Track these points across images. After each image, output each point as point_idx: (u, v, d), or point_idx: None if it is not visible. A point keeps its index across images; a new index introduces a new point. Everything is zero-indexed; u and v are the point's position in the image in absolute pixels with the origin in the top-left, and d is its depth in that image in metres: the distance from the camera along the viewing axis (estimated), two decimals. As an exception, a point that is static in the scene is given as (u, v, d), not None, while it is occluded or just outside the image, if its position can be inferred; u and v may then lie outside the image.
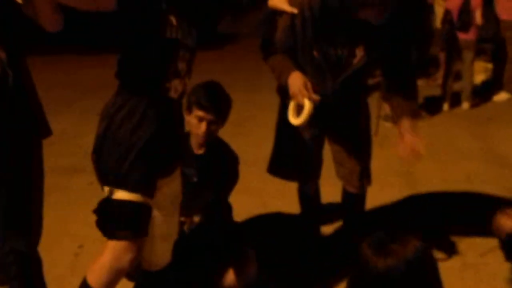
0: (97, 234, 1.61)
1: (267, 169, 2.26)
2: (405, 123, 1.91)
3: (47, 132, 1.70)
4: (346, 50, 1.84)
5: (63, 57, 7.70)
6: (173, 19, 1.55)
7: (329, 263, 2.31)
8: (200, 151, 2.05)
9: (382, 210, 3.01)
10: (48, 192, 1.80)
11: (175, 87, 1.61)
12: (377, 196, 3.08)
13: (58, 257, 2.42)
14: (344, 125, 2.14)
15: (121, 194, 1.54)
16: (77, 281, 1.66)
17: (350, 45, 1.83)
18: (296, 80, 1.84)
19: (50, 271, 1.97)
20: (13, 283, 1.69)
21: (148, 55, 1.55)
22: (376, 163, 3.60)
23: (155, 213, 1.74)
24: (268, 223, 2.79)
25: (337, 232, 2.61)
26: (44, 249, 1.81)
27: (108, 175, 1.56)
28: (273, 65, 1.94)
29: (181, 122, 1.78)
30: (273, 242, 2.52)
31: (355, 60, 1.86)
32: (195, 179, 2.05)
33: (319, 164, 2.27)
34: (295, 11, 1.79)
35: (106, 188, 1.57)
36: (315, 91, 1.81)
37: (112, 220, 1.55)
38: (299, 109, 1.87)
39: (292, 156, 2.16)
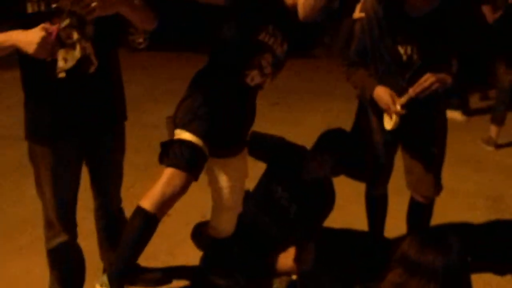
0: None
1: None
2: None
3: (124, 115, 2.01)
4: (407, 47, 1.95)
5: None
6: (270, 28, 1.85)
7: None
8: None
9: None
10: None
11: (253, 76, 1.89)
12: (462, 216, 3.08)
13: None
14: (415, 132, 2.18)
15: (185, 135, 1.83)
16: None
17: (410, 43, 1.94)
18: (382, 95, 2.02)
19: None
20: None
21: (238, 48, 1.87)
22: (467, 186, 3.56)
23: (223, 186, 2.04)
24: (340, 225, 2.89)
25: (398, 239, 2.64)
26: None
27: (181, 119, 1.86)
28: (355, 81, 2.13)
29: (251, 110, 2.06)
30: (336, 240, 2.64)
31: (417, 58, 1.95)
32: (292, 209, 2.29)
33: (389, 169, 2.34)
34: (362, 15, 1.96)
35: (177, 131, 1.87)
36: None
37: (173, 151, 1.82)
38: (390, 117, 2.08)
39: (365, 159, 2.29)
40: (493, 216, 3.14)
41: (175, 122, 1.89)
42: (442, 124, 2.23)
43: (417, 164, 2.22)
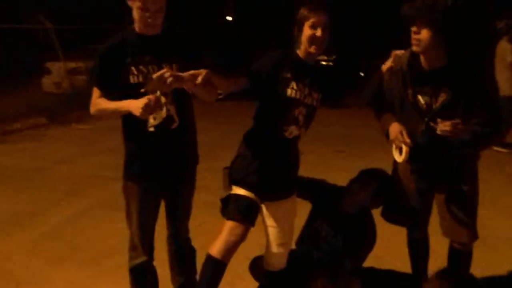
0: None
1: (381, 214, 2.60)
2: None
3: (196, 162, 2.43)
4: (428, 97, 2.19)
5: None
6: (294, 84, 2.18)
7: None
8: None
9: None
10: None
11: (291, 131, 2.23)
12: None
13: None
14: (446, 181, 2.34)
15: (240, 191, 2.23)
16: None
17: (431, 93, 2.18)
18: (394, 128, 2.27)
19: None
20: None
21: (273, 107, 2.22)
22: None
23: (274, 225, 2.38)
24: (387, 267, 3.05)
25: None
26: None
27: (235, 176, 2.27)
28: (381, 120, 2.40)
29: (295, 158, 2.37)
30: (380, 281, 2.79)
31: (437, 104, 2.17)
32: (337, 241, 2.53)
33: (426, 214, 2.50)
34: (391, 66, 2.26)
35: (233, 186, 2.27)
36: (409, 137, 2.21)
37: (231, 205, 2.22)
38: (400, 150, 2.29)
39: (402, 205, 2.47)
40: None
41: (231, 178, 2.30)
42: (473, 171, 2.37)
43: (449, 210, 2.36)
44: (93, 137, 7.03)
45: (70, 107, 8.51)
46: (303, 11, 2.16)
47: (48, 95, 9.54)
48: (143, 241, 2.33)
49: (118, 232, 3.54)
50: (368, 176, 2.54)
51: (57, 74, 10.07)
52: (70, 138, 7.10)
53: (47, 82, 10.25)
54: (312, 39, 2.14)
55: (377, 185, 2.50)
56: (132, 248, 2.37)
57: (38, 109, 8.36)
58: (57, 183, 4.92)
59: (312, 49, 2.17)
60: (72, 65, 9.86)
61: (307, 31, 2.14)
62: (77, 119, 8.16)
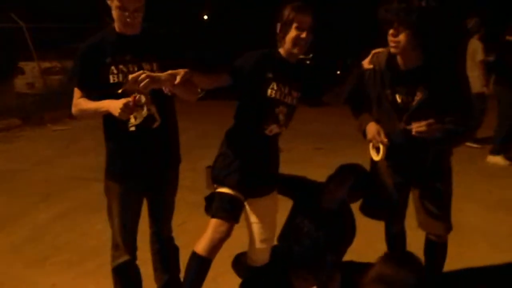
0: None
1: (359, 209, 2.67)
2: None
3: (178, 161, 2.46)
4: (405, 96, 2.26)
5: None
6: (275, 84, 2.22)
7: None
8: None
9: (488, 270, 3.11)
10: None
11: (271, 129, 2.27)
12: (487, 258, 3.23)
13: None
14: (421, 174, 2.42)
15: (223, 189, 2.27)
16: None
17: (407, 92, 2.25)
18: (371, 128, 2.34)
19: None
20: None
21: (253, 106, 2.25)
22: (499, 228, 3.69)
23: (256, 221, 2.42)
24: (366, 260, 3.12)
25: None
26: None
27: (217, 175, 2.30)
28: (359, 119, 2.46)
29: (275, 154, 2.41)
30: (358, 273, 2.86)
31: (413, 103, 2.24)
32: (318, 236, 2.57)
33: (403, 208, 2.59)
34: (371, 66, 2.31)
35: (216, 185, 2.30)
36: (386, 136, 2.28)
37: (215, 204, 2.25)
38: (377, 149, 2.36)
39: (380, 200, 2.55)
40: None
41: (213, 177, 2.33)
42: (447, 166, 2.45)
43: (424, 203, 2.45)
44: (69, 138, 6.95)
45: (45, 108, 8.38)
46: (289, 12, 2.17)
47: (21, 96, 9.35)
48: (126, 240, 2.34)
49: (99, 233, 3.55)
50: (346, 172, 2.60)
51: (30, 74, 9.89)
52: (45, 140, 7.00)
53: (20, 83, 10.05)
54: (297, 40, 2.18)
55: (355, 180, 2.56)
56: (115, 247, 2.38)
57: (12, 110, 8.20)
58: (35, 185, 4.86)
59: (296, 50, 2.20)
60: (46, 64, 9.69)
61: (292, 33, 2.17)
62: (53, 120, 8.04)
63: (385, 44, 2.25)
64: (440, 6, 2.14)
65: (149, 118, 2.19)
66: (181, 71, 1.87)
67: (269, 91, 2.22)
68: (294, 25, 2.16)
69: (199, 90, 2.13)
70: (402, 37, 2.12)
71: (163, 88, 1.99)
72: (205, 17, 15.74)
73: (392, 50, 2.19)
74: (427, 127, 2.11)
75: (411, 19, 2.08)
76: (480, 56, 5.79)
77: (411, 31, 2.10)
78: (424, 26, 2.10)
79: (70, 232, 3.72)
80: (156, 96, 2.14)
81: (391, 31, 2.14)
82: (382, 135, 2.29)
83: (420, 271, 1.56)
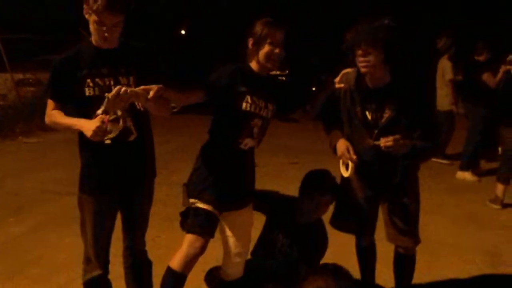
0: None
1: (329, 222, 2.71)
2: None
3: (154, 174, 2.46)
4: (374, 113, 2.35)
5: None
6: (249, 98, 2.25)
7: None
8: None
9: (456, 283, 3.19)
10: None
11: (246, 143, 2.29)
12: (455, 270, 3.32)
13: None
14: (389, 188, 2.48)
15: (199, 204, 2.27)
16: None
17: (376, 110, 2.34)
18: (341, 145, 2.41)
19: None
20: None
21: (228, 120, 2.28)
22: (467, 241, 3.79)
23: (231, 235, 2.43)
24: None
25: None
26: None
27: (193, 190, 2.30)
28: (330, 135, 2.53)
29: (251, 168, 2.43)
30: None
31: (382, 120, 2.33)
32: (292, 251, 2.60)
33: (373, 221, 2.64)
34: (342, 85, 2.38)
35: (191, 200, 2.30)
36: (355, 153, 2.35)
37: (190, 219, 2.25)
38: (347, 166, 2.43)
39: (350, 213, 2.60)
40: (488, 271, 3.35)
41: (188, 192, 2.33)
42: (415, 181, 2.53)
43: (393, 218, 2.51)
44: (41, 151, 6.80)
45: (17, 120, 8.19)
46: (262, 28, 2.22)
47: (-8, 107, 9.15)
48: (98, 254, 2.32)
49: (68, 246, 3.49)
50: (312, 187, 2.63)
51: (3, 85, 9.67)
52: (17, 152, 6.84)
53: (-9, 94, 9.83)
54: (271, 55, 2.23)
55: (323, 193, 2.59)
56: (86, 261, 2.35)
57: (-18, 122, 8.00)
58: (5, 199, 4.74)
59: (269, 64, 2.26)
60: (20, 76, 9.51)
61: (266, 48, 2.22)
62: (24, 132, 7.87)
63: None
64: (405, 26, 2.23)
65: (125, 131, 2.19)
66: (154, 87, 1.88)
67: (244, 104, 2.24)
68: (268, 40, 2.21)
69: (172, 105, 2.14)
70: (369, 57, 2.21)
71: (136, 103, 2.00)
72: (183, 32, 15.80)
73: (362, 70, 2.27)
74: (394, 142, 2.19)
75: (377, 37, 2.16)
76: (449, 75, 5.99)
77: (378, 49, 2.18)
78: (391, 46, 2.19)
79: (40, 246, 3.65)
80: (132, 109, 2.15)
81: (359, 52, 2.22)
82: (351, 152, 2.36)
83: (353, 283, 1.61)
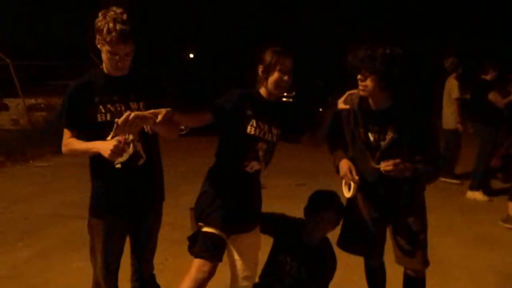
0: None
1: (337, 243, 2.68)
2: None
3: (162, 198, 2.49)
4: (377, 135, 2.36)
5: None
6: (254, 122, 2.29)
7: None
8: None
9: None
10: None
11: (252, 166, 2.32)
12: None
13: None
14: (396, 211, 2.47)
15: (206, 228, 2.27)
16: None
17: (379, 131, 2.35)
18: (343, 166, 2.42)
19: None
20: None
21: (234, 144, 2.32)
22: (479, 262, 3.73)
23: (238, 258, 2.42)
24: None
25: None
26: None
27: (200, 214, 2.31)
28: (333, 156, 2.55)
29: (257, 191, 2.45)
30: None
31: (384, 142, 2.33)
32: (300, 274, 2.56)
33: (381, 243, 2.61)
34: (346, 107, 2.40)
35: (199, 223, 2.31)
36: (358, 174, 2.36)
37: (198, 244, 2.25)
38: (349, 186, 2.43)
39: (357, 234, 2.58)
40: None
41: (196, 216, 2.35)
42: (421, 203, 2.51)
43: (398, 240, 2.49)
44: (52, 175, 6.88)
45: (28, 144, 8.31)
46: (272, 56, 2.29)
47: (4, 132, 9.29)
48: (107, 279, 2.32)
49: (78, 271, 3.49)
50: (319, 207, 2.59)
51: (15, 110, 9.87)
52: (27, 176, 6.92)
53: (4, 119, 10.00)
54: (280, 82, 2.29)
55: (330, 213, 2.56)
56: (96, 285, 2.36)
57: (-6, 146, 8.13)
58: (14, 223, 4.78)
59: (278, 91, 2.32)
60: (31, 101, 9.70)
61: (275, 75, 2.28)
62: (35, 156, 7.98)
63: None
64: (404, 53, 2.26)
65: (135, 156, 2.23)
66: (163, 110, 1.93)
67: (248, 128, 2.28)
68: (277, 68, 2.28)
69: (182, 127, 2.18)
70: (368, 81, 2.25)
71: (144, 126, 2.04)
72: (191, 55, 16.04)
73: (361, 93, 2.32)
74: (394, 166, 2.20)
75: (375, 66, 2.21)
76: (456, 94, 6.01)
77: (375, 76, 2.23)
78: (389, 71, 2.22)
79: (49, 270, 3.65)
80: (141, 133, 2.19)
81: (359, 76, 2.28)
82: (354, 173, 2.37)
83: None
